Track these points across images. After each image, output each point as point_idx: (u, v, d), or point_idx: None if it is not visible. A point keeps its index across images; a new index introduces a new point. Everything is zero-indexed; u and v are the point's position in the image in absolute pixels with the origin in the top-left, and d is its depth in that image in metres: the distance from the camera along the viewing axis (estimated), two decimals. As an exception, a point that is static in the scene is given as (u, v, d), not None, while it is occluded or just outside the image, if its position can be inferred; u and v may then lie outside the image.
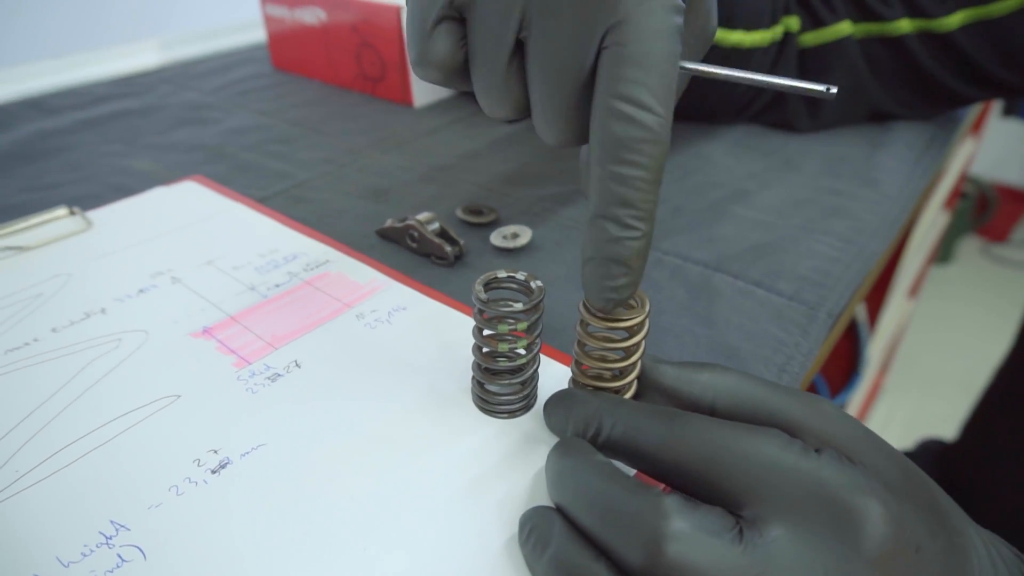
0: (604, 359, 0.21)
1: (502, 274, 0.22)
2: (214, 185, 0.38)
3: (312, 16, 0.52)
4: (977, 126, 1.27)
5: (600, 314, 0.20)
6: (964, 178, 1.51)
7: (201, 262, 0.32)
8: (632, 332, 0.20)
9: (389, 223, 0.33)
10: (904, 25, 0.43)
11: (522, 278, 0.22)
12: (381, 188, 0.39)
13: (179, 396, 0.24)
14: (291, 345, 0.26)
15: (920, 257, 1.23)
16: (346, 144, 0.44)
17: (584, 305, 0.20)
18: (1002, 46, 0.42)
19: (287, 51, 0.57)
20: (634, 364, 0.21)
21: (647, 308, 0.20)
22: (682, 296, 0.30)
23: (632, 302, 0.21)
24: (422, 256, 0.32)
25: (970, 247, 2.03)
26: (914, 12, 0.43)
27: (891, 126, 0.48)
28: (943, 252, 1.90)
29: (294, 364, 0.25)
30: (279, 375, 0.25)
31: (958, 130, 0.51)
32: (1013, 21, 0.41)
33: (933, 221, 1.19)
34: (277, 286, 0.30)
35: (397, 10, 0.47)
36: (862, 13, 0.44)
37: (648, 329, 0.20)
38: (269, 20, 0.56)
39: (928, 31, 0.43)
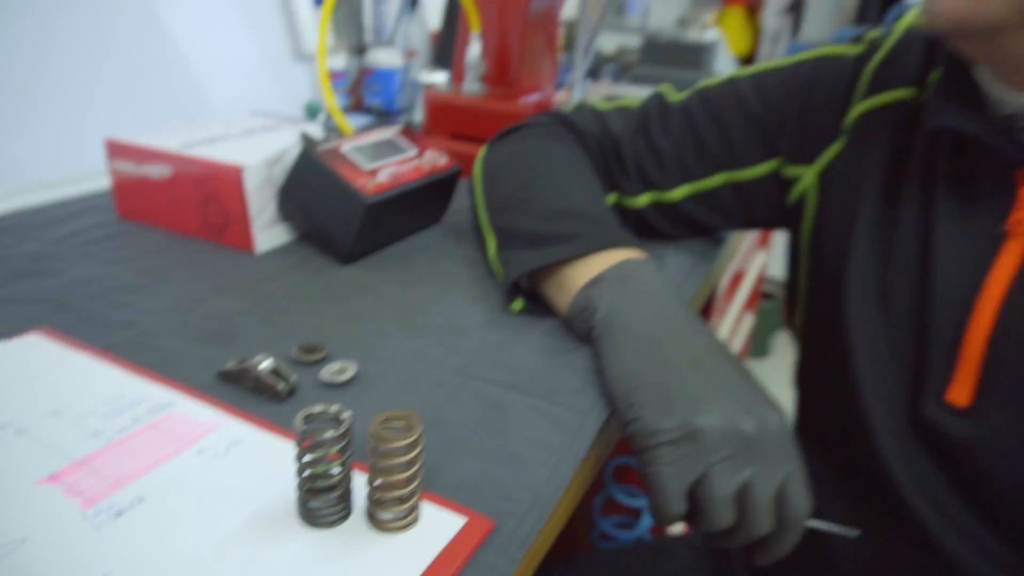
0: (391, 471, 0.27)
1: (318, 409, 0.28)
2: (59, 336, 0.41)
3: (158, 172, 0.57)
4: (764, 240, 1.50)
5: (377, 438, 0.26)
6: (763, 281, 1.75)
7: (46, 412, 0.34)
8: (411, 448, 0.26)
9: (229, 365, 0.38)
10: (642, 199, 0.57)
11: (334, 411, 0.28)
12: (223, 332, 0.43)
13: (25, 540, 0.27)
14: (135, 483, 0.30)
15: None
16: (190, 291, 0.49)
17: (371, 431, 0.27)
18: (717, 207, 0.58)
19: (132, 201, 0.61)
20: (417, 472, 0.27)
21: (420, 429, 0.27)
22: (479, 413, 0.37)
23: (409, 426, 0.27)
24: (259, 394, 0.37)
25: (785, 340, 2.30)
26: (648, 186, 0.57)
27: (666, 255, 0.60)
28: (759, 347, 2.15)
29: (138, 500, 0.29)
30: (123, 511, 0.28)
31: (719, 254, 0.64)
32: (722, 190, 0.57)
33: (738, 322, 1.37)
34: (122, 430, 0.33)
35: (239, 170, 0.53)
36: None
37: (423, 446, 0.27)
38: (115, 173, 0.60)
39: (659, 201, 0.57)
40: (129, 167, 0.59)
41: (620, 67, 1.55)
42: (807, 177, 0.56)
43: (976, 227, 0.45)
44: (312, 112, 0.86)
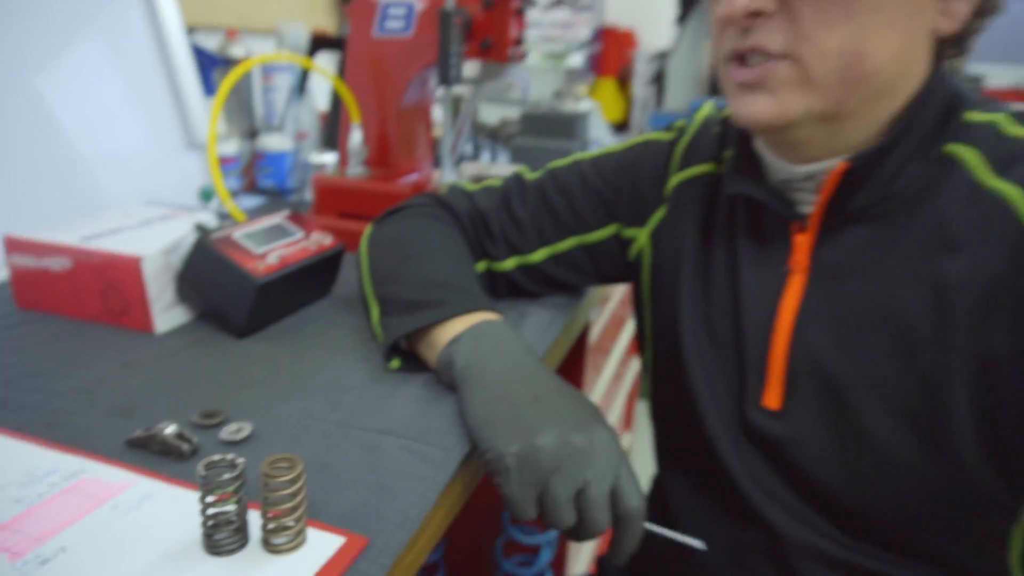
0: (279, 502, 0.34)
1: (216, 458, 0.35)
2: (-30, 421, 0.45)
3: (58, 264, 0.62)
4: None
5: (267, 476, 0.33)
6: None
7: (-33, 488, 0.39)
8: (294, 482, 0.33)
9: (137, 433, 0.44)
10: (509, 263, 0.67)
11: (230, 459, 0.35)
12: (128, 406, 0.49)
13: (-40, 592, 0.32)
14: (57, 537, 0.35)
15: (621, 397, 1.52)
16: (95, 372, 0.54)
17: (261, 470, 0.33)
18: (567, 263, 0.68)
19: (31, 292, 0.64)
20: (301, 502, 0.34)
21: (301, 467, 0.34)
22: (358, 456, 0.44)
23: (292, 465, 0.34)
24: (165, 455, 0.43)
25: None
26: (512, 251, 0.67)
27: (530, 311, 0.69)
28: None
29: (61, 550, 0.34)
30: (48, 559, 0.34)
31: (577, 307, 0.74)
32: (574, 251, 0.68)
33: (623, 364, 1.49)
34: (40, 495, 0.38)
35: (137, 260, 0.59)
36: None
37: (304, 479, 0.34)
38: (13, 266, 0.64)
39: (523, 264, 0.67)
40: (29, 261, 0.63)
41: (503, 138, 1.69)
42: (641, 237, 0.68)
43: (768, 267, 0.57)
44: (206, 196, 0.92)
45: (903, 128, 0.50)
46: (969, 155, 0.50)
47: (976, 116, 0.51)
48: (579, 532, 0.45)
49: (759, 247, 0.58)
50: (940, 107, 0.51)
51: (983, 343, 0.47)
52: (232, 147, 1.06)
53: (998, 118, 0.51)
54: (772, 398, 0.56)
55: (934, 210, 0.50)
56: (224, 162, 1.02)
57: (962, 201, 0.49)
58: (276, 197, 1.09)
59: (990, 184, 0.48)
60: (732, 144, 0.60)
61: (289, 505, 0.34)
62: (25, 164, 0.76)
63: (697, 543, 0.48)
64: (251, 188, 1.12)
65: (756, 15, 0.47)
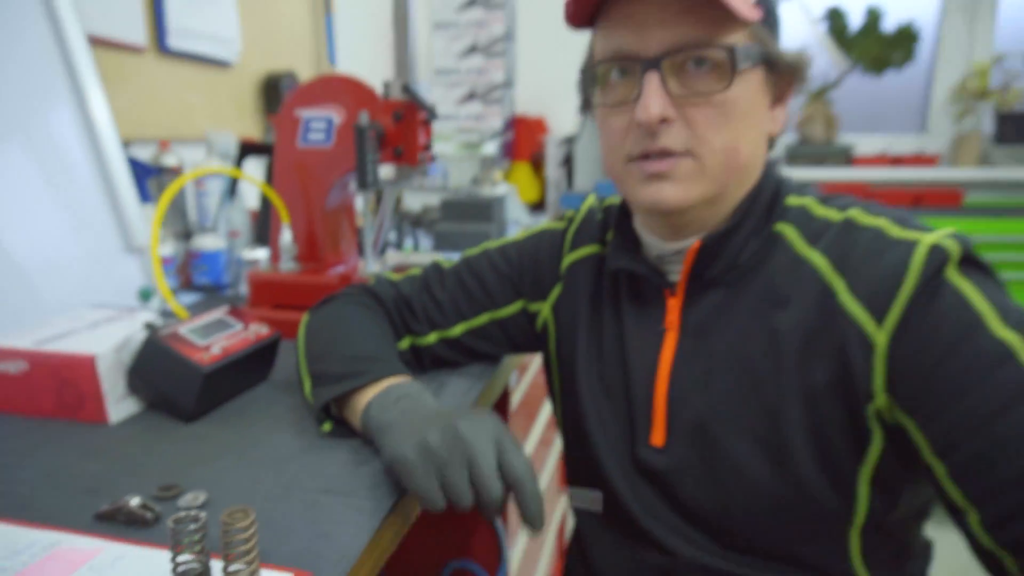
0: (237, 545, 0.42)
1: (182, 514, 0.42)
2: (-53, 512, 0.51)
3: (14, 367, 0.68)
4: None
5: (226, 524, 0.41)
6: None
7: (-45, 565, 0.45)
8: (249, 528, 0.42)
9: (104, 507, 0.50)
10: (431, 338, 0.77)
11: (193, 514, 0.42)
12: (92, 487, 0.55)
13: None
14: (45, 594, 0.42)
15: (552, 458, 1.60)
16: (57, 461, 0.59)
17: (221, 520, 0.41)
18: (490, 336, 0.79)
19: (-13, 395, 0.70)
20: (255, 545, 0.42)
21: (253, 515, 0.42)
22: (301, 510, 0.52)
23: (246, 514, 0.42)
24: (131, 524, 0.50)
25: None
26: (434, 327, 0.77)
27: (450, 380, 0.78)
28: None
29: (49, 604, 0.41)
30: (40, 612, 0.40)
31: (493, 373, 0.84)
32: (488, 325, 0.78)
33: (547, 430, 1.58)
34: (24, 563, 0.45)
35: (92, 358, 0.66)
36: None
37: (256, 527, 0.42)
38: (-31, 373, 0.70)
39: (444, 338, 0.78)
40: (-15, 366, 0.69)
41: (425, 224, 1.81)
42: (545, 310, 0.79)
43: (649, 327, 0.69)
44: (145, 297, 0.99)
45: (745, 211, 0.64)
46: (789, 231, 0.64)
47: (793, 200, 0.66)
48: (483, 507, 0.54)
49: (640, 311, 0.70)
50: (771, 193, 0.65)
51: (808, 378, 0.60)
52: (168, 248, 1.14)
53: (807, 202, 0.65)
54: (657, 437, 0.67)
55: (767, 275, 0.64)
56: (161, 263, 1.09)
57: (786, 267, 0.63)
58: (212, 293, 1.17)
59: (804, 254, 0.62)
60: (612, 227, 0.73)
61: (245, 548, 0.42)
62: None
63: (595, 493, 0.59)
64: (187, 285, 1.19)
65: (663, 121, 0.60)
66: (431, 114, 0.91)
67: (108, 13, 1.24)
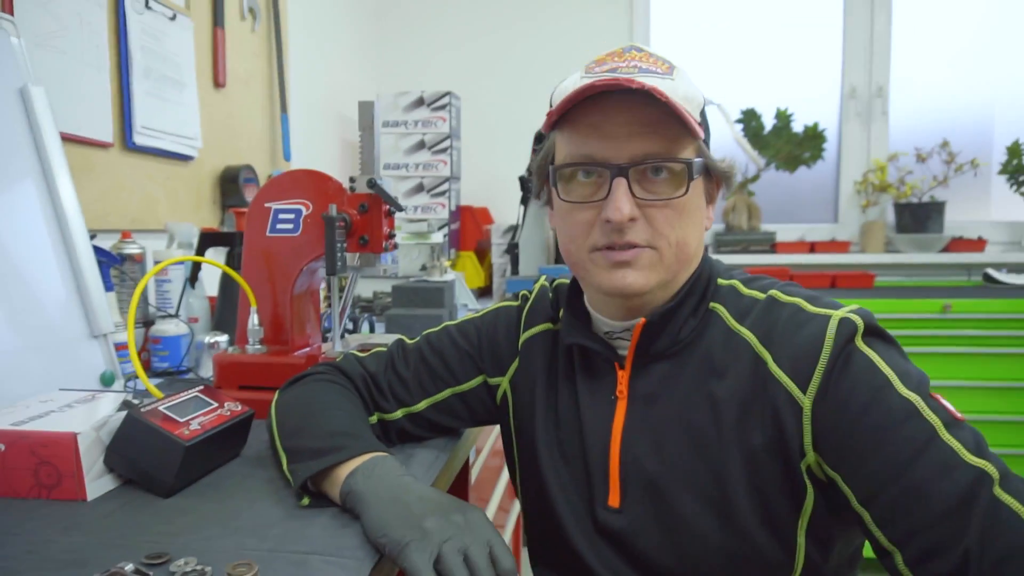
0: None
1: (188, 569, 0.46)
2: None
3: (-9, 448, 0.69)
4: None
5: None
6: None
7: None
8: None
9: (97, 575, 0.53)
10: (397, 414, 0.82)
11: (200, 569, 0.46)
12: (78, 560, 0.57)
13: None
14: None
15: (510, 524, 1.62)
16: (39, 537, 0.61)
17: (227, 571, 0.45)
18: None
19: (-42, 478, 0.70)
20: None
21: (256, 568, 0.46)
22: (290, 571, 0.55)
23: (251, 567, 0.46)
24: (124, 589, 0.52)
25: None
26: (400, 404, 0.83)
27: (416, 452, 0.83)
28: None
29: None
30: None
31: (455, 446, 0.88)
32: (451, 399, 0.84)
33: (504, 498, 1.61)
34: (25, 629, 0.46)
35: (74, 436, 0.68)
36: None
37: None
38: (-60, 456, 0.70)
39: (409, 413, 0.83)
40: (-40, 448, 0.70)
41: (377, 309, 1.86)
42: (503, 384, 0.86)
43: (601, 396, 0.76)
44: (107, 381, 1.01)
45: (686, 292, 0.73)
46: (721, 309, 0.73)
47: (722, 281, 0.76)
48: None
49: (593, 382, 0.77)
50: (706, 276, 0.75)
51: (747, 440, 0.67)
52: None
53: (735, 283, 0.75)
54: (614, 499, 0.73)
55: (705, 348, 0.72)
56: (121, 348, 1.11)
57: (721, 341, 0.71)
58: (171, 376, 1.18)
59: (736, 328, 0.71)
60: (563, 305, 0.81)
61: (249, 598, 0.45)
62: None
63: None
64: (146, 369, 1.20)
65: (630, 220, 0.67)
66: (396, 207, 0.99)
67: (79, 112, 1.29)
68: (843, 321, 0.65)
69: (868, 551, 0.69)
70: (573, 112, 0.69)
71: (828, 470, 0.64)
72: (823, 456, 0.64)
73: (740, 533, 0.67)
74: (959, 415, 0.62)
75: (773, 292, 0.72)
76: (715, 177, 0.75)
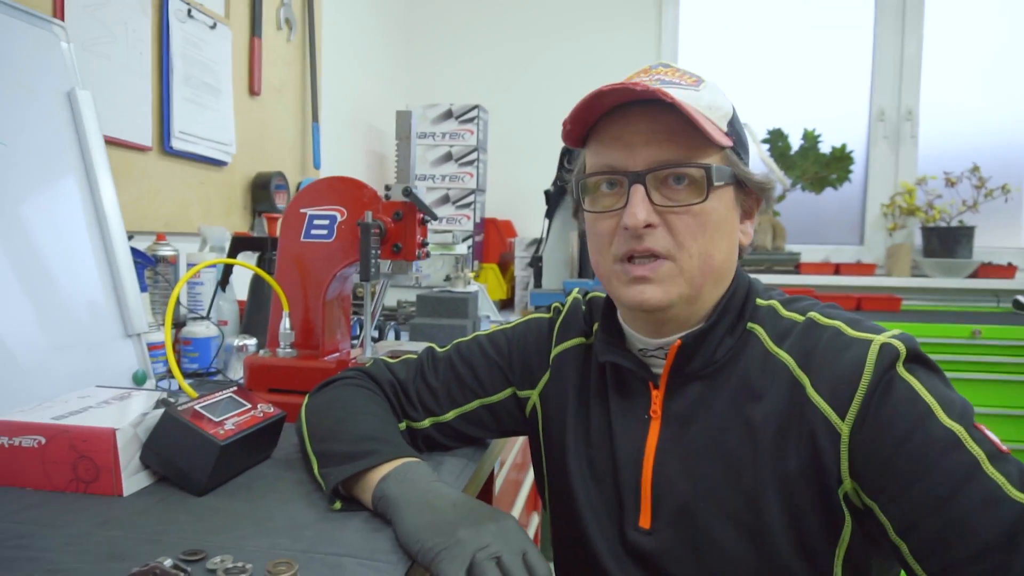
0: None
1: (230, 565, 0.46)
2: (-22, 574, 0.53)
3: (32, 441, 0.70)
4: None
5: (270, 574, 0.45)
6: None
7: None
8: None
9: (136, 569, 0.53)
10: (425, 423, 0.83)
11: (241, 565, 0.46)
12: (117, 553, 0.57)
13: None
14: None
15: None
16: (77, 529, 0.61)
17: (267, 568, 0.45)
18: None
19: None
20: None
21: (296, 567, 0.46)
22: (327, 572, 0.55)
23: (290, 565, 0.46)
24: (163, 584, 0.53)
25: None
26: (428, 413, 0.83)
27: (445, 460, 0.83)
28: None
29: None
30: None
31: (483, 456, 0.88)
32: (479, 411, 0.84)
33: (523, 515, 1.60)
34: (68, 619, 0.47)
35: (113, 431, 0.69)
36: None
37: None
38: (-18, 447, 0.71)
39: (437, 423, 0.83)
40: (1, 440, 0.71)
41: (401, 318, 1.87)
42: (533, 397, 0.86)
43: (634, 415, 0.75)
44: (139, 380, 1.02)
45: (721, 311, 0.72)
46: (760, 330, 0.72)
47: (761, 302, 0.75)
48: None
49: (626, 400, 0.77)
50: (742, 296, 0.74)
51: (782, 465, 0.66)
52: (161, 335, 1.17)
53: (775, 304, 0.74)
54: (645, 520, 0.72)
55: (742, 370, 0.71)
56: (153, 348, 1.12)
57: (759, 363, 0.70)
58: (200, 378, 1.19)
59: (774, 351, 0.70)
60: (597, 319, 0.81)
61: (288, 597, 0.45)
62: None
63: None
64: (176, 371, 1.21)
65: (648, 227, 0.68)
66: (431, 215, 1.00)
67: (121, 115, 1.32)
68: (884, 347, 0.63)
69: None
70: (598, 125, 0.71)
71: (865, 498, 0.63)
72: (860, 483, 0.63)
73: (774, 560, 0.66)
74: (1004, 447, 0.60)
75: (812, 314, 0.70)
76: (752, 192, 0.74)
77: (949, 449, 0.59)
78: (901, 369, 0.63)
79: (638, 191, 0.68)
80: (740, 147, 0.72)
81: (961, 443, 0.59)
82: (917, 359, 0.64)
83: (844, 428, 0.63)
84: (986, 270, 2.64)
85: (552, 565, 0.84)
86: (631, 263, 0.69)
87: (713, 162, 0.69)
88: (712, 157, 0.69)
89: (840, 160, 2.78)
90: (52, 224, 0.98)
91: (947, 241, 2.65)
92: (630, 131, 0.69)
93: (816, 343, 0.67)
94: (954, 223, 2.66)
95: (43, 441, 0.70)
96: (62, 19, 1.18)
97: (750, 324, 0.73)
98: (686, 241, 0.68)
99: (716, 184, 0.68)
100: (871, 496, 0.62)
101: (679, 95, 0.67)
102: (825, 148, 2.80)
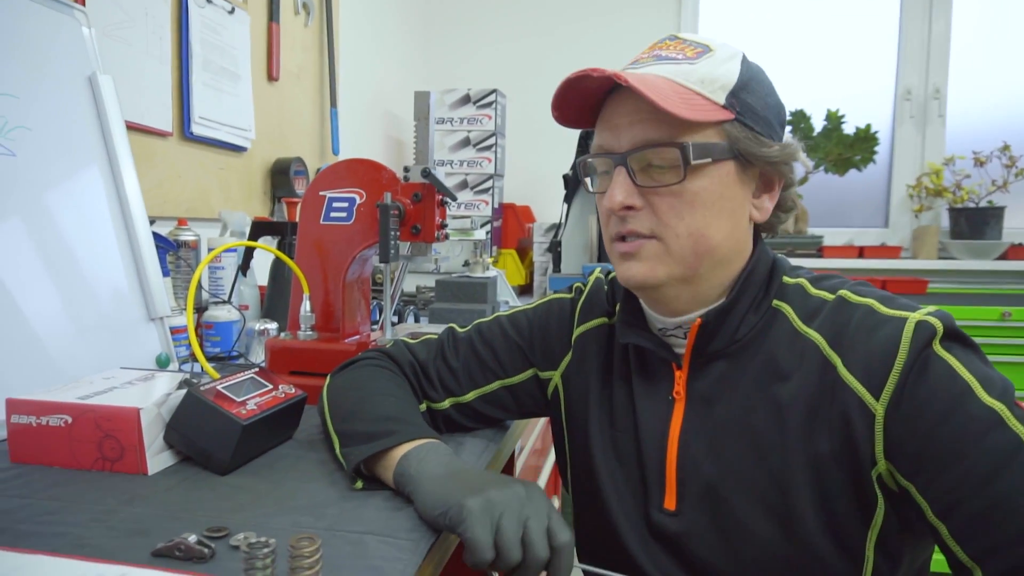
0: (304, 569, 0.45)
1: (253, 540, 0.46)
2: (7, 549, 0.54)
3: (59, 420, 0.71)
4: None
5: (293, 548, 0.45)
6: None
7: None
8: (315, 552, 0.45)
9: (161, 545, 0.54)
10: (445, 403, 0.82)
11: (264, 540, 0.46)
12: (141, 529, 0.58)
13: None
14: (122, 615, 0.45)
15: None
16: (102, 506, 0.62)
17: (290, 543, 0.45)
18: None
19: (27, 447, 0.72)
20: (320, 570, 0.46)
21: (319, 541, 0.46)
22: (348, 549, 0.55)
23: (312, 540, 0.46)
24: (188, 560, 0.53)
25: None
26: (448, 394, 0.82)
27: (466, 441, 0.83)
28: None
29: (128, 623, 0.44)
30: (121, 630, 0.43)
31: (503, 437, 0.88)
32: (500, 392, 0.83)
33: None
34: (95, 592, 0.48)
35: (137, 411, 0.70)
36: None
37: (322, 551, 0.46)
38: (12, 426, 0.73)
39: (457, 403, 0.83)
40: (29, 419, 0.72)
41: (420, 303, 1.87)
42: (555, 378, 0.85)
43: (658, 396, 0.74)
44: (163, 363, 1.03)
45: (740, 289, 0.70)
46: (787, 308, 0.71)
47: (788, 279, 0.73)
48: (525, 566, 0.56)
49: (649, 381, 0.76)
50: (765, 272, 0.72)
51: (812, 447, 0.64)
52: (183, 319, 1.18)
53: (802, 282, 0.72)
54: (670, 501, 0.71)
55: (768, 349, 0.69)
56: (176, 332, 1.13)
57: (786, 342, 0.69)
58: (222, 362, 1.20)
59: (803, 329, 0.68)
60: (619, 299, 0.80)
61: (311, 572, 0.45)
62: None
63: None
64: (199, 355, 1.22)
65: (630, 208, 0.68)
66: (450, 196, 0.99)
67: (141, 101, 1.33)
68: (920, 324, 0.61)
69: (936, 565, 0.66)
70: (602, 108, 0.72)
71: (901, 479, 0.61)
72: (896, 465, 0.61)
73: (803, 542, 0.64)
74: None
75: (843, 292, 0.68)
76: (763, 165, 0.69)
77: (991, 428, 0.57)
78: (938, 347, 0.61)
79: (620, 173, 0.68)
80: (750, 117, 0.68)
81: (1004, 421, 0.57)
82: (954, 336, 0.62)
83: (879, 408, 0.61)
84: (1016, 251, 2.58)
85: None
86: (623, 242, 0.70)
87: (705, 139, 0.66)
88: (702, 133, 0.66)
89: (865, 141, 2.72)
90: (76, 209, 0.99)
91: (975, 222, 2.59)
92: (618, 113, 0.69)
93: (848, 321, 0.66)
94: (983, 203, 2.60)
95: (69, 420, 0.71)
96: (83, 4, 1.18)
97: (776, 302, 0.71)
98: (671, 221, 0.67)
99: (698, 162, 0.65)
100: (908, 477, 0.61)
101: (666, 71, 0.66)
102: (849, 129, 2.74)
